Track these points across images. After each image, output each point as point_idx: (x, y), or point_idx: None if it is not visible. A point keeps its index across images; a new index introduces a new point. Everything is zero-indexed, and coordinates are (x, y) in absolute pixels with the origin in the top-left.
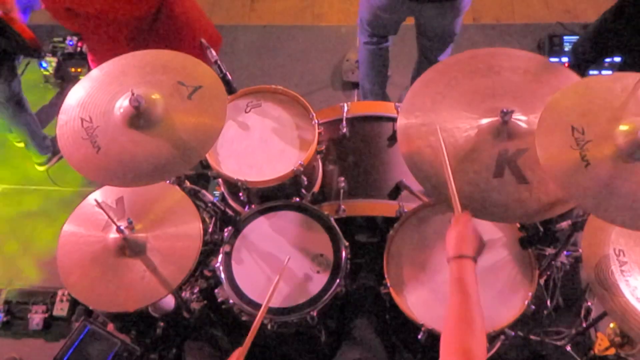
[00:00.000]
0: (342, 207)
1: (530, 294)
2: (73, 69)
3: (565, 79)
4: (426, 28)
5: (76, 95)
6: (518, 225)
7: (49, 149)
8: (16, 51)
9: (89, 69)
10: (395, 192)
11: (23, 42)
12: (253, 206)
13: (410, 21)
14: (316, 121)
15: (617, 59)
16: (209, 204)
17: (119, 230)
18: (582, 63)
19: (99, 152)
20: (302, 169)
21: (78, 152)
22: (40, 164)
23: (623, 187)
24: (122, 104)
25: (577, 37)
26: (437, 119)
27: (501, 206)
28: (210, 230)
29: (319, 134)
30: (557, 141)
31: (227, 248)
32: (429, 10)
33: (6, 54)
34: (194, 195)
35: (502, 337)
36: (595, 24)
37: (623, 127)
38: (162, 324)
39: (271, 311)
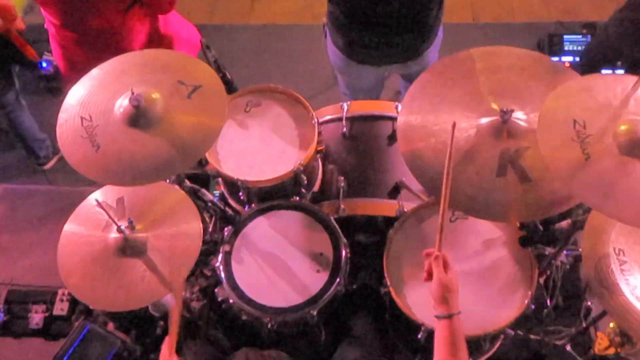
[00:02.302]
0: (342, 206)
1: (530, 293)
2: None
3: (563, 76)
4: (402, 78)
5: (76, 94)
6: (518, 224)
7: (49, 149)
8: (13, 62)
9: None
10: (395, 192)
11: (21, 54)
12: (253, 205)
13: None
14: (316, 120)
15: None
16: (209, 203)
17: (119, 230)
18: (593, 64)
19: (98, 150)
20: (302, 168)
21: (77, 151)
22: (40, 164)
23: (624, 183)
24: (122, 102)
25: (576, 36)
26: (436, 120)
27: (503, 206)
28: (210, 229)
29: (319, 133)
30: (558, 134)
31: (227, 247)
32: (396, 70)
33: (3, 59)
34: (193, 195)
35: (502, 336)
36: (608, 29)
37: (623, 127)
38: (162, 323)
39: (271, 311)
